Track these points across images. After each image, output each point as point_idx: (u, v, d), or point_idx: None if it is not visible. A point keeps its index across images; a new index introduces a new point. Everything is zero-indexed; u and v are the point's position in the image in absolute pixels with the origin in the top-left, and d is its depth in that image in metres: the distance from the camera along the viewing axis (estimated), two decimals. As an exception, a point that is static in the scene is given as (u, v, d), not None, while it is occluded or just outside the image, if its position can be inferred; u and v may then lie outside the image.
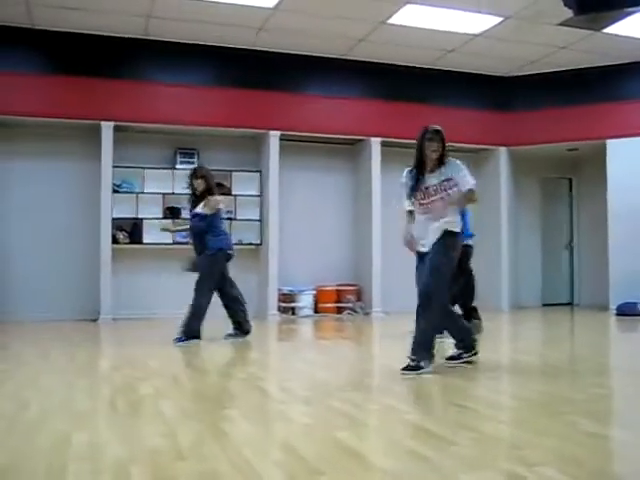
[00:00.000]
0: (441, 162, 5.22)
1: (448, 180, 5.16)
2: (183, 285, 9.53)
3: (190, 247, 7.23)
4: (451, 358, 5.40)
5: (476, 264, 11.64)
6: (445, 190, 5.14)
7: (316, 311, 10.24)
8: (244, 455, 2.93)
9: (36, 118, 8.93)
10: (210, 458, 2.88)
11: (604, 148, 10.61)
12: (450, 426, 3.52)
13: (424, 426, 3.51)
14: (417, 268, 5.32)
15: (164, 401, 4.09)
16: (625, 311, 9.93)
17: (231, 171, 10.03)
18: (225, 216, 8.04)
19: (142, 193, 9.57)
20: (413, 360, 4.95)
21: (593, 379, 5.03)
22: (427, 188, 5.20)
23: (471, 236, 7.12)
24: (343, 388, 4.67)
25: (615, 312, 10.12)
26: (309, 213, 10.58)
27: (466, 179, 5.16)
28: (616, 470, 2.91)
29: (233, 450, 3.02)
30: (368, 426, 3.74)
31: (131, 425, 3.52)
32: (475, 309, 7.43)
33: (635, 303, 9.96)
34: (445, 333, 5.82)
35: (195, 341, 6.81)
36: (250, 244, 10.08)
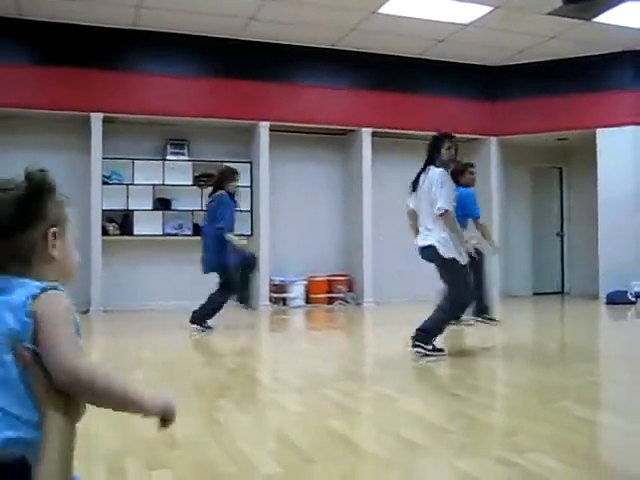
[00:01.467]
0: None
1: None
2: (174, 276, 9.56)
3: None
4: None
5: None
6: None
7: (307, 301, 10.24)
8: (238, 444, 2.94)
9: (24, 109, 8.87)
10: (204, 447, 2.88)
11: (594, 137, 10.63)
12: (443, 414, 3.54)
13: (417, 414, 3.53)
14: None
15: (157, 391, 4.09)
16: (615, 299, 9.98)
17: (221, 162, 9.98)
18: None
19: (132, 184, 9.52)
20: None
21: (584, 366, 5.06)
22: None
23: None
24: (336, 377, 4.69)
25: (605, 300, 10.17)
26: (300, 204, 10.57)
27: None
28: (608, 455, 2.94)
29: (227, 439, 3.03)
30: (361, 414, 3.76)
31: (124, 415, 3.52)
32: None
33: (625, 291, 10.01)
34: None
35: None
36: (241, 235, 10.06)
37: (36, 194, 1.30)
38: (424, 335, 5.15)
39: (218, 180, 7.35)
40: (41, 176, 1.33)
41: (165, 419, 1.41)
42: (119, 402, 1.34)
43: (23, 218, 1.27)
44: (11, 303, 1.21)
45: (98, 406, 1.30)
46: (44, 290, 1.24)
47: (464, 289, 5.24)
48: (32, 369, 1.20)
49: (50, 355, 1.21)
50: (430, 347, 5.15)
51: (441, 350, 5.18)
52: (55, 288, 1.27)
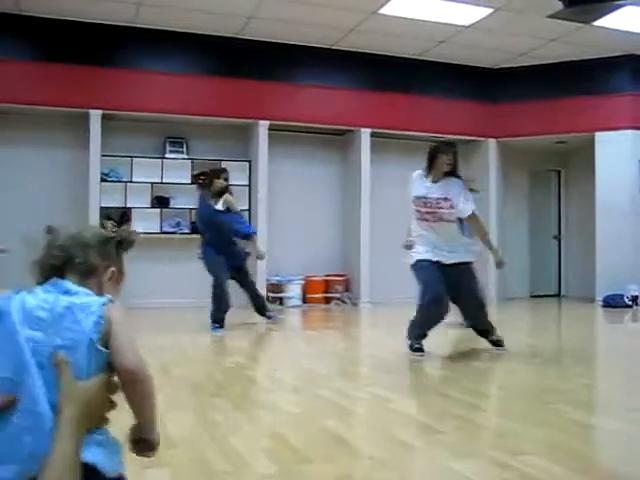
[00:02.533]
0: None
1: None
2: (171, 274, 9.56)
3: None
4: None
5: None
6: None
7: (304, 301, 10.25)
8: (233, 443, 2.95)
9: (23, 106, 8.86)
10: (200, 446, 2.89)
11: (592, 141, 10.65)
12: (438, 415, 3.55)
13: (412, 415, 3.54)
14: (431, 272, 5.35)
15: (153, 390, 4.09)
16: (611, 303, 10.00)
17: (220, 160, 9.99)
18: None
19: (130, 182, 9.52)
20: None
21: (580, 369, 5.07)
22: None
23: None
24: (331, 377, 4.70)
25: (601, 303, 10.19)
26: (298, 203, 10.57)
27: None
28: (602, 458, 2.95)
29: (223, 438, 3.04)
30: (356, 415, 3.77)
31: (118, 414, 3.52)
32: None
33: (621, 295, 10.03)
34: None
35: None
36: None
37: (120, 244, 1.69)
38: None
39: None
40: (127, 235, 1.72)
41: (149, 445, 1.58)
42: (151, 409, 1.54)
43: (108, 255, 1.64)
44: (82, 305, 1.43)
45: (135, 405, 1.49)
46: (110, 300, 1.49)
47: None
48: (64, 376, 1.35)
49: (126, 351, 1.43)
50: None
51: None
52: (112, 301, 1.50)
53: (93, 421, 1.41)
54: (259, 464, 2.69)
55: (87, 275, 1.56)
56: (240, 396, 4.11)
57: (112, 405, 1.47)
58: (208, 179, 7.23)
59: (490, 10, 8.65)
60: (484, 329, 5.55)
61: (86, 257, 1.58)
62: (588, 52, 10.17)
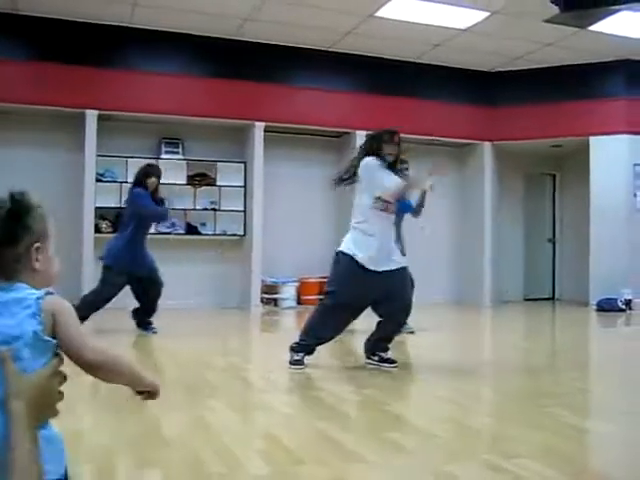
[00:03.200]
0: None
1: None
2: (166, 275, 9.53)
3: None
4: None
5: (459, 258, 11.74)
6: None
7: (299, 302, 10.24)
8: (226, 443, 2.94)
9: (19, 105, 8.83)
10: (193, 447, 2.89)
11: (587, 145, 10.68)
12: (431, 418, 3.55)
13: (405, 417, 3.54)
14: (362, 281, 4.91)
15: (146, 390, 4.08)
16: (605, 306, 10.02)
17: (216, 162, 10.00)
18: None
19: (126, 182, 9.47)
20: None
21: (574, 373, 5.08)
22: None
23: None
24: (325, 379, 4.69)
25: (595, 307, 10.21)
26: (293, 205, 10.57)
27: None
28: (597, 462, 2.95)
29: (216, 438, 3.03)
30: (349, 417, 3.76)
31: (113, 415, 3.52)
32: None
33: (615, 299, 10.05)
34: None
35: None
36: (234, 235, 10.06)
37: (18, 214, 1.46)
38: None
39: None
40: (21, 198, 1.49)
41: (152, 393, 1.64)
42: (128, 377, 1.55)
43: (9, 235, 1.43)
44: (19, 300, 1.38)
45: (109, 382, 1.51)
46: (48, 293, 1.42)
47: None
48: (9, 371, 1.32)
49: (77, 341, 1.42)
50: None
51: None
52: (51, 293, 1.44)
53: (44, 414, 1.39)
54: (253, 465, 2.68)
55: (9, 268, 1.43)
56: (234, 397, 4.10)
57: (60, 396, 1.44)
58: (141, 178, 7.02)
59: (487, 14, 8.67)
60: (391, 337, 5.16)
61: None
62: (584, 56, 10.20)
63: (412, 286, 5.60)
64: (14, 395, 1.31)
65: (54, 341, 1.39)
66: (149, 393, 1.63)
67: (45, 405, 1.38)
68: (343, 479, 2.55)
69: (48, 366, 1.38)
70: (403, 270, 4.94)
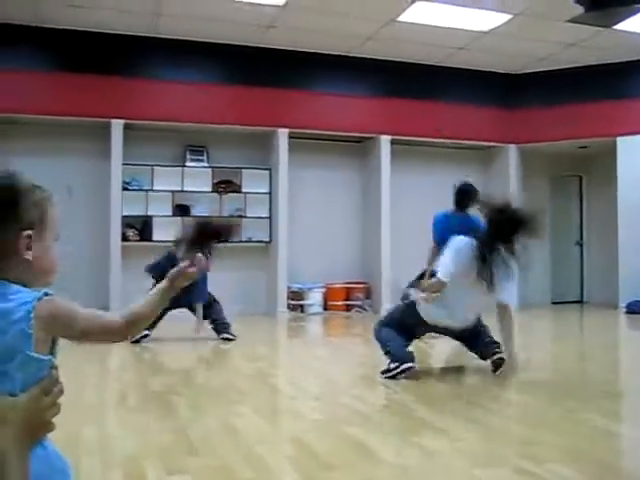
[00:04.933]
0: None
1: None
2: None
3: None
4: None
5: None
6: None
7: (325, 308, 10.24)
8: (255, 450, 2.95)
9: (46, 116, 8.95)
10: (221, 453, 2.89)
11: (614, 146, 10.56)
12: (460, 422, 3.53)
13: (434, 422, 3.52)
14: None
15: (174, 397, 4.11)
16: (635, 309, 9.88)
17: (240, 168, 10.03)
18: None
19: (151, 191, 9.57)
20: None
21: (604, 377, 5.02)
22: None
23: None
24: (353, 384, 4.69)
25: (625, 310, 10.08)
26: (318, 211, 10.58)
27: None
28: (626, 466, 2.91)
29: (244, 445, 3.04)
30: (378, 422, 3.75)
31: (142, 421, 3.54)
32: None
33: (645, 301, 9.92)
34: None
35: None
36: (259, 241, 10.09)
37: (3, 200, 1.33)
38: None
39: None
40: (7, 181, 1.36)
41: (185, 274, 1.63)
42: (150, 313, 1.57)
43: (11, 220, 1.31)
44: (7, 312, 1.26)
45: (150, 319, 1.57)
46: (42, 297, 1.29)
47: None
48: None
49: (98, 320, 1.43)
50: None
51: None
52: (46, 294, 1.31)
53: (37, 434, 1.30)
54: (282, 471, 2.69)
55: None
56: (262, 403, 4.11)
57: (55, 410, 1.34)
58: None
59: (509, 16, 8.62)
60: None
61: None
62: (609, 56, 10.09)
63: None
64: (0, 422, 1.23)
65: (48, 358, 1.30)
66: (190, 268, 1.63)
67: (37, 425, 1.29)
68: (372, 484, 2.54)
69: (36, 387, 1.28)
70: None
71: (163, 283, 1.60)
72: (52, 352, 1.33)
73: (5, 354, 1.25)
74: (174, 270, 1.62)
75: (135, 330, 1.52)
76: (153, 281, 6.80)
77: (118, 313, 1.47)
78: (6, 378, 1.25)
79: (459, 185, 6.46)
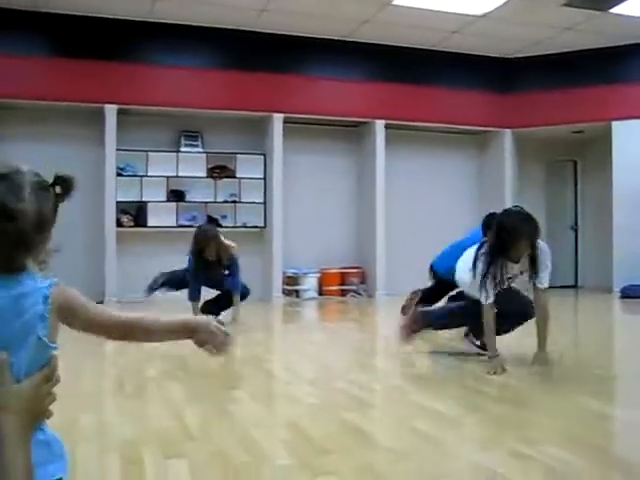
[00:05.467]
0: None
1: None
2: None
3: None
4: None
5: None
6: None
7: (320, 293, 10.25)
8: (252, 435, 2.95)
9: (40, 101, 8.90)
10: (218, 438, 2.90)
11: (609, 130, 10.55)
12: (456, 406, 3.54)
13: (430, 406, 3.53)
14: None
15: (171, 383, 4.12)
16: (629, 293, 9.91)
17: (235, 154, 10.01)
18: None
19: (146, 176, 9.54)
20: None
21: (599, 360, 5.05)
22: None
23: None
24: (348, 369, 4.70)
25: (619, 294, 10.11)
26: (313, 196, 10.57)
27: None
28: (620, 448, 2.93)
29: (241, 430, 3.04)
30: (374, 406, 3.76)
31: (139, 407, 3.55)
32: None
33: (639, 285, 9.95)
34: None
35: None
36: (254, 227, 10.08)
37: (64, 196, 1.37)
38: None
39: None
40: (73, 181, 1.39)
41: (215, 342, 1.56)
42: (151, 335, 1.53)
43: (55, 216, 1.35)
44: (24, 295, 1.27)
45: (145, 342, 1.54)
46: (53, 284, 1.33)
47: None
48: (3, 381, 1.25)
49: (105, 314, 1.42)
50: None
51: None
52: (57, 284, 1.35)
53: (37, 420, 1.31)
54: (278, 455, 2.70)
55: (37, 251, 1.34)
56: (258, 388, 4.12)
57: (51, 398, 1.35)
58: None
59: (505, -1, 8.58)
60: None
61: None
62: (604, 40, 10.07)
63: None
64: (2, 409, 1.23)
65: (54, 345, 1.32)
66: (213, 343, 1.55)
67: (36, 412, 1.30)
68: (369, 469, 2.55)
69: (39, 374, 1.29)
70: None
71: (182, 323, 1.54)
72: (54, 340, 1.34)
73: (21, 335, 1.26)
74: (206, 327, 1.54)
75: (132, 337, 1.49)
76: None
77: (125, 314, 1.47)
78: (14, 363, 1.25)
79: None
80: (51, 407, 1.35)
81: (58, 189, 1.36)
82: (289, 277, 10.10)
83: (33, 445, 1.26)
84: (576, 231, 12.57)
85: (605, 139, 10.66)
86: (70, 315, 1.35)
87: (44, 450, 1.30)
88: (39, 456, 1.27)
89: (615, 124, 10.48)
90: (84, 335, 1.43)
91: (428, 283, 6.42)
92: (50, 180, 1.35)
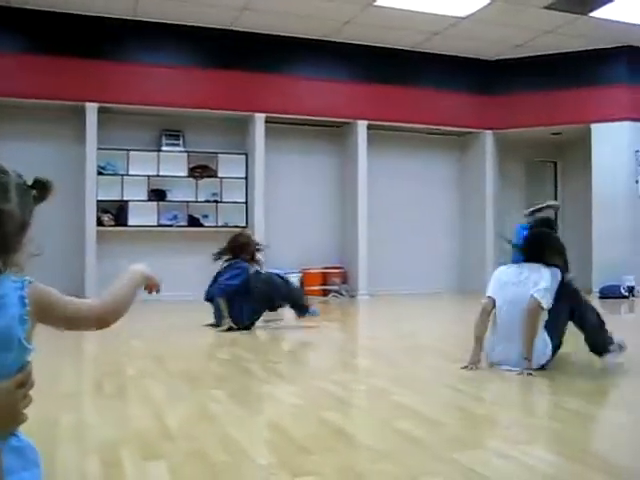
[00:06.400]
0: None
1: None
2: (169, 267, 9.52)
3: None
4: None
5: (460, 247, 11.71)
6: None
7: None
8: (232, 435, 2.93)
9: (19, 99, 8.82)
10: (199, 438, 2.87)
11: (589, 132, 10.64)
12: (437, 406, 3.54)
13: (411, 406, 3.52)
14: None
15: (150, 383, 4.08)
16: (608, 293, 10.01)
17: (217, 153, 9.98)
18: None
19: (127, 175, 9.49)
20: None
21: (581, 360, 5.07)
22: None
23: None
24: (330, 369, 4.69)
25: (598, 294, 10.19)
26: (295, 196, 10.56)
27: None
28: (603, 448, 2.94)
29: (221, 430, 3.02)
30: (356, 407, 3.75)
31: (118, 407, 3.51)
32: None
33: (617, 285, 10.04)
34: None
35: None
36: (236, 226, 10.04)
37: (40, 200, 1.41)
38: None
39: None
40: (51, 185, 1.45)
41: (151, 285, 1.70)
42: (129, 303, 1.57)
43: (30, 215, 1.36)
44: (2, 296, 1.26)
45: (123, 312, 1.55)
46: (28, 282, 1.34)
47: None
48: None
49: (82, 306, 1.46)
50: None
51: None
52: (30, 281, 1.36)
53: (11, 425, 1.28)
54: (258, 454, 2.68)
55: (14, 250, 1.32)
56: (238, 388, 4.10)
57: (26, 402, 1.32)
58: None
59: (487, 1, 8.62)
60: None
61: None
62: (585, 43, 10.15)
63: None
64: None
65: (32, 347, 1.30)
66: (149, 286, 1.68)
67: (9, 418, 1.26)
68: (350, 468, 2.54)
69: (12, 380, 1.26)
70: None
71: (139, 276, 1.64)
72: (30, 340, 1.32)
73: (4, 338, 1.24)
74: (149, 275, 1.67)
75: (116, 317, 1.51)
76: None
77: (99, 300, 1.50)
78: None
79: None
80: (27, 410, 1.32)
81: (35, 192, 1.37)
82: (270, 277, 10.06)
83: (6, 452, 1.23)
84: (555, 232, 12.64)
85: (584, 141, 10.76)
86: (47, 314, 1.33)
87: (18, 457, 1.26)
88: (12, 463, 1.23)
89: (594, 126, 10.57)
90: (60, 333, 1.41)
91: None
92: (29, 182, 1.36)
